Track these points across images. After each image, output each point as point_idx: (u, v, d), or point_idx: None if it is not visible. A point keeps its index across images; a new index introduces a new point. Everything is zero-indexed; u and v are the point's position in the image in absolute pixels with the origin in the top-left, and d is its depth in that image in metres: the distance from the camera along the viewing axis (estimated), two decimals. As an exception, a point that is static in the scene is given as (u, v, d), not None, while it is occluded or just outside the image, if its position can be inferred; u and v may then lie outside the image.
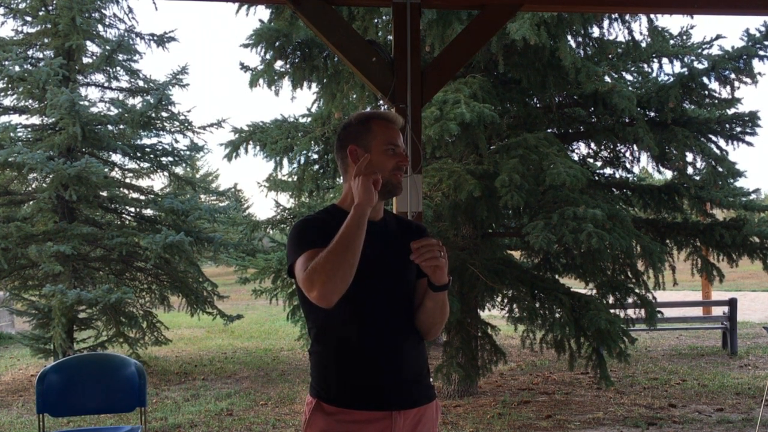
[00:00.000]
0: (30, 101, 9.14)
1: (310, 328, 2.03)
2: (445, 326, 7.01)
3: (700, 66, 6.81)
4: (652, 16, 6.35)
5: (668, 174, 7.84)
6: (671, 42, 7.42)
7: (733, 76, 6.53)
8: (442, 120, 5.50)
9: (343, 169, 2.09)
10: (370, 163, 1.93)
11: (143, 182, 13.76)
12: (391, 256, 1.99)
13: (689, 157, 6.92)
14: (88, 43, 9.34)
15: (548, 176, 5.61)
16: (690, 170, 7.15)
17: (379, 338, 1.95)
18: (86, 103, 8.79)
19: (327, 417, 1.94)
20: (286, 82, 6.78)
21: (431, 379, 2.14)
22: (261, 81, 6.70)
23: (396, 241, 2.02)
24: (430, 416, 2.07)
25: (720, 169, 6.73)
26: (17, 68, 8.51)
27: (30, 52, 9.32)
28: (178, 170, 10.99)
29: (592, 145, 7.58)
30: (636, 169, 7.59)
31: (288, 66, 6.63)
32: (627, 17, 6.42)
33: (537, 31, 5.53)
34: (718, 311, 10.10)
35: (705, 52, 7.06)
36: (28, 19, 9.14)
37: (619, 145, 7.25)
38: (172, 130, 9.79)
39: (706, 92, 6.75)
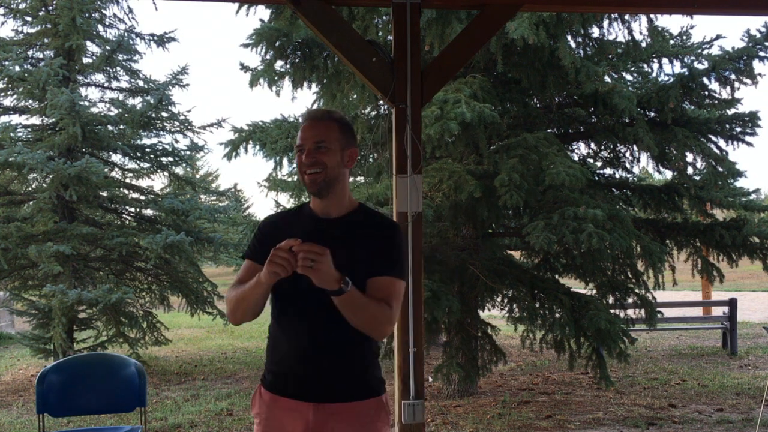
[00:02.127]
0: (30, 101, 9.13)
1: None
2: (445, 326, 6.97)
3: (700, 66, 6.81)
4: (652, 16, 6.34)
5: (668, 174, 7.85)
6: (671, 42, 7.42)
7: (733, 76, 6.52)
8: (443, 119, 5.50)
9: None
10: (284, 254, 1.86)
11: (143, 182, 13.76)
12: (333, 253, 1.95)
13: (689, 157, 6.91)
14: (88, 43, 9.33)
15: (548, 175, 5.61)
16: (690, 170, 7.15)
17: (307, 333, 2.04)
18: (86, 103, 8.79)
19: (261, 401, 2.12)
20: (287, 82, 6.78)
21: (376, 377, 2.13)
22: (261, 81, 6.70)
23: (344, 239, 2.04)
24: (366, 414, 2.07)
25: (720, 169, 6.73)
26: (17, 68, 8.50)
27: (30, 52, 9.30)
28: (178, 170, 10.97)
29: (592, 145, 7.58)
30: (636, 169, 7.60)
31: (288, 66, 6.63)
32: (627, 17, 6.42)
33: (536, 31, 5.53)
34: (718, 311, 10.11)
35: (705, 52, 7.06)
36: (28, 19, 9.12)
37: (619, 145, 7.25)
38: (172, 130, 9.78)
39: (706, 92, 6.74)
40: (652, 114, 6.95)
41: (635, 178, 7.78)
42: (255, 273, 2.00)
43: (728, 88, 6.61)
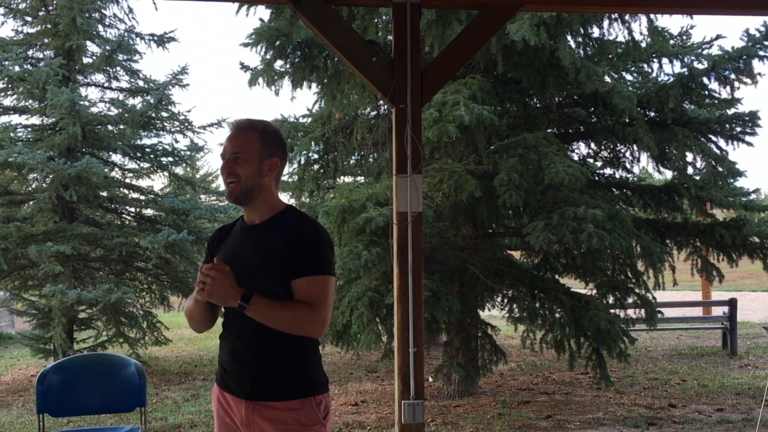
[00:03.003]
0: (30, 101, 9.13)
1: None
2: (445, 326, 6.96)
3: (700, 66, 6.81)
4: (652, 16, 6.34)
5: (668, 174, 7.85)
6: (671, 42, 7.41)
7: (733, 76, 6.52)
8: (441, 122, 5.50)
9: None
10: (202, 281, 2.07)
11: (143, 182, 13.76)
12: (252, 259, 2.14)
13: (689, 157, 6.91)
14: (88, 43, 9.32)
15: (547, 175, 5.61)
16: (690, 170, 7.14)
17: (238, 334, 2.17)
18: (86, 103, 8.79)
19: (215, 396, 2.28)
20: (286, 82, 6.78)
21: (308, 379, 2.18)
22: (261, 80, 6.70)
23: (262, 244, 2.15)
24: (293, 414, 2.13)
25: (720, 169, 6.72)
26: (17, 68, 8.50)
27: (30, 52, 9.30)
28: (178, 170, 10.97)
29: (592, 145, 7.57)
30: (636, 169, 7.59)
31: (288, 66, 6.63)
32: (627, 17, 6.42)
33: (536, 32, 5.52)
34: (718, 311, 10.11)
35: (705, 52, 7.07)
36: (28, 19, 9.12)
37: (619, 145, 7.25)
38: (172, 130, 9.78)
39: (706, 92, 6.74)
40: (652, 114, 6.95)
41: (635, 178, 7.78)
42: None
43: (728, 88, 6.61)
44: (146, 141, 9.78)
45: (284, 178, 8.58)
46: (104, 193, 9.29)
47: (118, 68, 9.62)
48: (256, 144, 2.16)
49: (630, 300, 6.57)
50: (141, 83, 9.81)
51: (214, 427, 2.29)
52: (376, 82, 3.44)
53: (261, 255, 2.13)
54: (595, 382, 6.60)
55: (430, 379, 6.83)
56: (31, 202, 9.20)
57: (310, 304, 2.09)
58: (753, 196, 7.93)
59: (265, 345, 2.13)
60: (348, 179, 8.93)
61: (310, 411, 2.15)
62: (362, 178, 8.06)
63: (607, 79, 6.83)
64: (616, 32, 7.42)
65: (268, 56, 6.51)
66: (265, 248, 2.14)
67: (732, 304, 9.05)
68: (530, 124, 6.75)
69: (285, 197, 10.39)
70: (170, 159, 9.84)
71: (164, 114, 9.51)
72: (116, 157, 9.78)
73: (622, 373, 7.78)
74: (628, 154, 7.44)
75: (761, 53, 6.41)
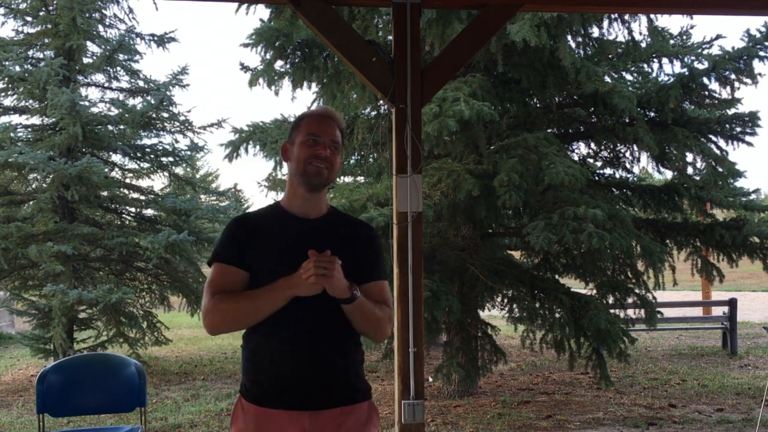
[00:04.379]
0: (30, 101, 9.14)
1: None
2: (445, 326, 6.96)
3: (700, 66, 6.82)
4: (652, 16, 6.34)
5: (668, 174, 7.85)
6: (671, 42, 7.42)
7: (733, 76, 6.53)
8: (441, 117, 5.50)
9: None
10: (330, 268, 1.85)
11: (143, 182, 13.75)
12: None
13: (689, 157, 6.92)
14: (89, 43, 9.33)
15: (547, 175, 5.61)
16: (690, 170, 7.15)
17: (295, 339, 1.95)
18: (87, 103, 8.79)
19: (245, 415, 1.99)
20: (286, 82, 6.78)
21: (365, 381, 2.10)
22: (261, 81, 6.70)
23: (330, 241, 1.97)
24: (358, 418, 2.03)
25: (720, 169, 6.73)
26: (17, 68, 8.50)
27: (30, 52, 9.31)
28: (179, 170, 10.97)
29: (592, 145, 7.58)
30: (636, 169, 7.61)
31: (288, 66, 6.63)
32: (627, 17, 6.42)
33: (537, 32, 5.53)
34: (718, 311, 10.11)
35: (705, 52, 7.07)
36: (29, 19, 9.13)
37: (619, 145, 7.26)
38: (173, 130, 9.78)
39: (706, 92, 6.75)
40: (652, 114, 6.96)
41: (635, 178, 7.79)
42: (236, 278, 1.96)
43: (728, 88, 6.61)
44: (146, 141, 9.80)
45: (283, 177, 8.62)
46: (104, 193, 9.29)
47: (119, 68, 9.62)
48: (340, 140, 2.09)
49: (630, 300, 6.58)
50: (141, 83, 9.81)
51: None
52: (376, 82, 3.44)
53: (327, 251, 1.92)
54: (595, 382, 6.60)
55: (430, 379, 6.83)
56: (31, 202, 9.20)
57: (387, 305, 2.07)
58: (753, 196, 7.94)
59: (334, 349, 1.99)
60: (348, 179, 8.94)
61: (373, 413, 2.07)
62: (362, 178, 8.06)
63: (607, 79, 6.84)
64: (616, 32, 7.43)
65: (268, 56, 6.52)
66: (333, 245, 1.94)
67: (732, 304, 9.05)
68: (530, 124, 6.75)
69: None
70: (170, 159, 9.83)
71: (164, 114, 9.51)
72: (116, 157, 9.79)
73: (622, 373, 7.78)
74: (628, 154, 7.45)
75: (761, 53, 6.41)
